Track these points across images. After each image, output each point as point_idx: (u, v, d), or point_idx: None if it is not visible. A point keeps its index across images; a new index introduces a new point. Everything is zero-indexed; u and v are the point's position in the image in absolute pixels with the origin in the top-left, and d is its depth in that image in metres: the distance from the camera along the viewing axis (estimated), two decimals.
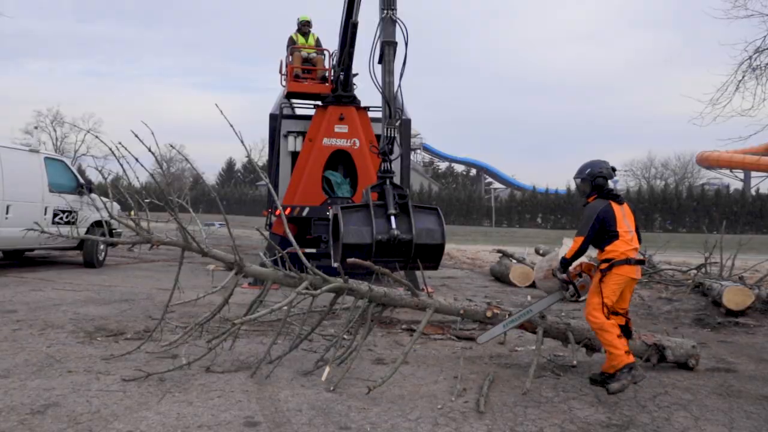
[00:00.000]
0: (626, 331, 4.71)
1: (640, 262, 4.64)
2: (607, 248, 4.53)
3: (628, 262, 4.48)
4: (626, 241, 4.52)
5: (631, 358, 4.33)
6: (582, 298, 4.82)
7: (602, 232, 4.55)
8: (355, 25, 9.27)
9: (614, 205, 4.63)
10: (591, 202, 4.72)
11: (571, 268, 4.67)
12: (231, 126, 5.01)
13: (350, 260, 4.87)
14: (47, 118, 54.29)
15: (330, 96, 10.46)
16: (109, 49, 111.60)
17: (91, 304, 7.49)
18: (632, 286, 4.73)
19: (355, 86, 10.57)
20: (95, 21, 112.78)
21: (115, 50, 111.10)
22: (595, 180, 4.73)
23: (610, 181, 4.78)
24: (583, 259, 4.71)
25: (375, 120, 10.37)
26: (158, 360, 4.90)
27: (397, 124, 6.81)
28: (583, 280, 4.72)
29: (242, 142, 5.10)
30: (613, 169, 4.82)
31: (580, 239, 4.54)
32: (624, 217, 4.62)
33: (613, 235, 4.52)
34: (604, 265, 4.54)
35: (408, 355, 4.67)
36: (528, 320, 5.03)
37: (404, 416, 3.89)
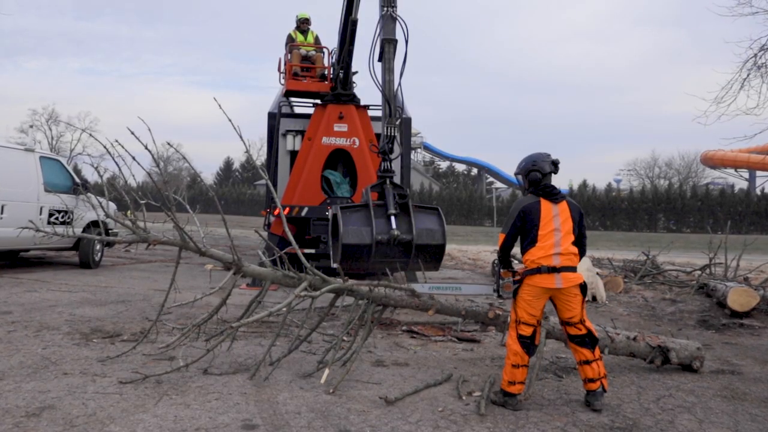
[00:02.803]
0: (591, 339, 4.27)
1: (554, 270, 4.08)
2: (524, 256, 4.21)
3: (539, 270, 4.10)
4: (543, 247, 4.11)
5: (512, 390, 4.09)
6: (505, 297, 4.70)
7: (525, 232, 4.21)
8: (354, 23, 9.21)
9: (545, 203, 4.21)
10: (519, 198, 4.42)
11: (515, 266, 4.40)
12: (229, 120, 4.94)
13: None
14: (43, 116, 54.23)
15: (329, 94, 10.41)
16: (108, 47, 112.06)
17: (87, 305, 7.42)
18: (567, 295, 4.16)
19: (354, 84, 10.51)
20: (94, 19, 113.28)
21: (113, 48, 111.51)
22: (529, 174, 4.36)
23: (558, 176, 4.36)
24: None
25: (375, 119, 10.32)
26: (155, 362, 4.84)
27: (397, 122, 6.77)
28: (509, 281, 4.45)
29: (240, 136, 5.03)
30: (554, 163, 4.40)
31: (502, 236, 4.26)
32: (555, 217, 4.17)
33: (532, 240, 4.16)
34: (517, 277, 4.21)
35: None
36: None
37: (404, 419, 3.83)
